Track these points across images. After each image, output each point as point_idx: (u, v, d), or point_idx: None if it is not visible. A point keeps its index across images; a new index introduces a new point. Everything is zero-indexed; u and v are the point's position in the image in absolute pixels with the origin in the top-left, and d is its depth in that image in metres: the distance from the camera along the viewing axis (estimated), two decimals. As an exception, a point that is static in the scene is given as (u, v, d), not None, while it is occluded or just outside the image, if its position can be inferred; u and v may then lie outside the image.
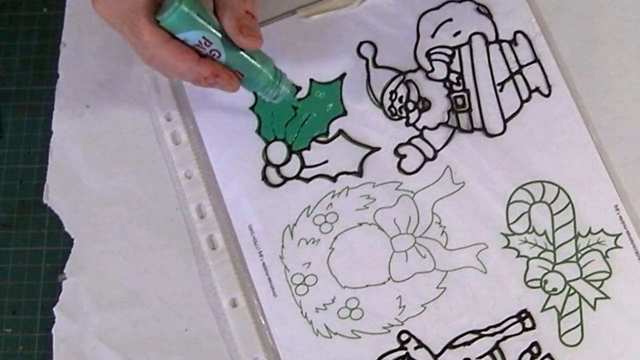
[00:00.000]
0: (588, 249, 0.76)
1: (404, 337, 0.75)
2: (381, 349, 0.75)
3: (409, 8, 0.82)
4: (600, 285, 0.75)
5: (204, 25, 0.67)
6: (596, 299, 0.74)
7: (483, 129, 0.78)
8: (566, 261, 0.75)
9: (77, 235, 0.80)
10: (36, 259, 0.81)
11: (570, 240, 0.76)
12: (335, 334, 0.76)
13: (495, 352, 0.74)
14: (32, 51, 0.87)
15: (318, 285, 0.77)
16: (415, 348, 0.75)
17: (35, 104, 0.85)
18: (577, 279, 0.75)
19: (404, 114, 0.80)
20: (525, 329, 0.74)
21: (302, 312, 0.76)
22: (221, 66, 0.70)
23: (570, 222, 0.76)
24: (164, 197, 0.80)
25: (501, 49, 0.80)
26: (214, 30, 0.68)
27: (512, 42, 0.80)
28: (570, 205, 0.76)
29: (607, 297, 0.75)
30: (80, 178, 0.81)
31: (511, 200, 0.77)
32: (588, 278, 0.75)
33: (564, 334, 0.74)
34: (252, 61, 0.71)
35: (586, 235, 0.76)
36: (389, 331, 0.75)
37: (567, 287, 0.75)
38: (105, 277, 0.79)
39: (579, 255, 0.75)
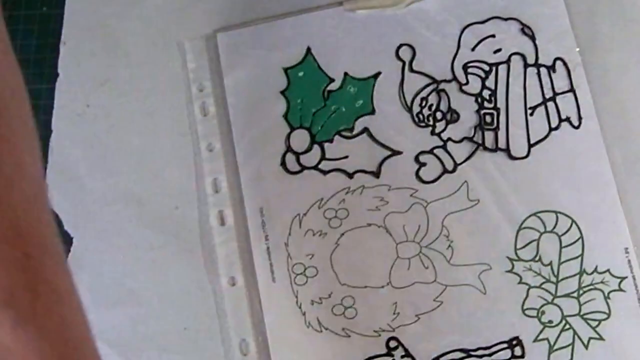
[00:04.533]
0: (591, 287, 0.71)
1: (393, 344, 0.71)
2: (368, 352, 0.71)
3: (454, 18, 0.77)
4: (597, 326, 0.70)
5: None
6: (590, 338, 0.70)
7: (507, 150, 0.73)
8: (567, 295, 0.70)
9: (77, 234, 0.76)
10: (36, 258, 0.78)
11: (575, 275, 0.71)
12: (326, 329, 0.72)
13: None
14: (31, 50, 0.83)
15: (317, 278, 0.73)
16: (402, 357, 0.71)
17: (35, 103, 0.78)
18: (575, 315, 0.70)
19: (431, 123, 0.75)
20: (514, 357, 0.69)
21: (297, 302, 0.72)
22: None
23: (577, 257, 0.71)
24: (164, 197, 0.76)
25: (539, 73, 0.75)
26: None
27: (551, 68, 0.75)
28: (580, 240, 0.71)
29: (601, 339, 0.70)
30: (80, 177, 0.77)
31: (522, 226, 0.72)
32: (586, 316, 0.70)
33: (552, 367, 0.71)
34: None
35: (591, 273, 0.71)
36: (379, 335, 0.71)
37: (564, 321, 0.70)
38: (105, 276, 0.75)
39: (581, 291, 0.70)
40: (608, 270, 0.71)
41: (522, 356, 0.70)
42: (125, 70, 0.80)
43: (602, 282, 0.71)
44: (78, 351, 0.53)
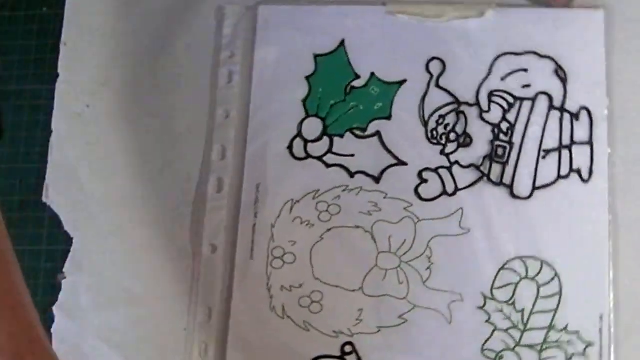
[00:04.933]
0: (556, 344, 0.68)
1: (348, 349, 0.70)
2: (322, 350, 0.71)
3: (492, 42, 0.74)
4: (551, 385, 0.69)
5: None
6: (541, 396, 0.69)
7: (510, 187, 0.71)
8: (529, 347, 0.68)
9: (77, 234, 0.76)
10: (36, 259, 0.77)
11: (543, 328, 0.68)
12: (289, 317, 0.71)
13: (425, 400, 0.70)
14: (31, 51, 0.83)
15: (293, 266, 0.72)
16: (356, 363, 0.71)
17: (35, 104, 0.81)
18: (539, 361, 0.69)
19: (443, 142, 0.73)
20: (469, 391, 0.69)
21: (268, 283, 0.72)
22: None
23: (551, 311, 0.69)
24: (165, 197, 0.76)
25: (562, 118, 0.72)
26: None
27: (575, 116, 0.72)
28: (558, 295, 0.69)
29: (551, 400, 0.68)
30: (80, 178, 0.77)
31: (505, 266, 0.70)
32: (542, 373, 0.69)
33: (495, 415, 0.69)
34: None
35: (560, 331, 0.68)
36: (337, 337, 0.70)
37: (520, 370, 0.69)
38: (105, 276, 0.75)
39: (545, 346, 0.68)
40: (577, 332, 0.68)
41: (473, 393, 0.69)
42: (125, 70, 0.80)
43: (568, 342, 0.68)
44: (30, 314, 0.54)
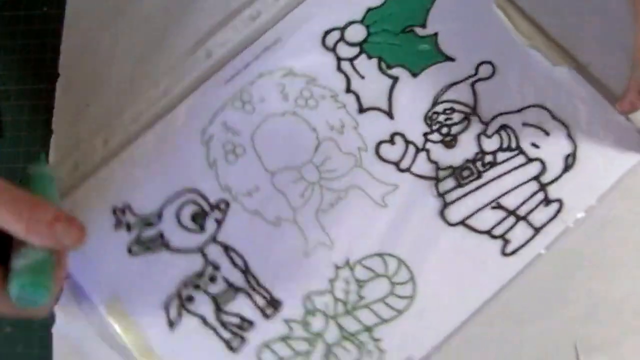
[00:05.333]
0: (359, 343, 0.66)
1: (222, 206, 0.71)
2: (205, 192, 0.72)
3: (544, 92, 0.71)
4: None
5: None
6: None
7: (445, 205, 0.69)
8: (340, 327, 0.67)
9: None
10: (36, 258, 0.76)
11: (362, 324, 0.67)
12: (207, 148, 0.74)
13: (229, 291, 0.70)
14: (31, 50, 0.82)
15: (244, 120, 0.74)
16: (216, 220, 0.72)
17: (35, 103, 0.80)
18: (319, 338, 0.67)
19: (434, 128, 0.72)
20: (265, 315, 0.68)
21: (213, 117, 0.74)
22: None
23: (381, 318, 0.67)
24: None
25: (535, 193, 0.68)
26: None
27: (547, 201, 0.68)
28: (397, 313, 0.67)
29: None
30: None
31: (383, 255, 0.68)
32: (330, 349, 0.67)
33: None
34: None
35: (373, 339, 0.66)
36: (224, 193, 0.72)
37: (314, 335, 0.67)
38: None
39: (351, 337, 0.67)
40: (384, 351, 0.67)
41: (268, 317, 0.68)
42: (125, 69, 0.79)
43: (369, 351, 0.67)
44: None
